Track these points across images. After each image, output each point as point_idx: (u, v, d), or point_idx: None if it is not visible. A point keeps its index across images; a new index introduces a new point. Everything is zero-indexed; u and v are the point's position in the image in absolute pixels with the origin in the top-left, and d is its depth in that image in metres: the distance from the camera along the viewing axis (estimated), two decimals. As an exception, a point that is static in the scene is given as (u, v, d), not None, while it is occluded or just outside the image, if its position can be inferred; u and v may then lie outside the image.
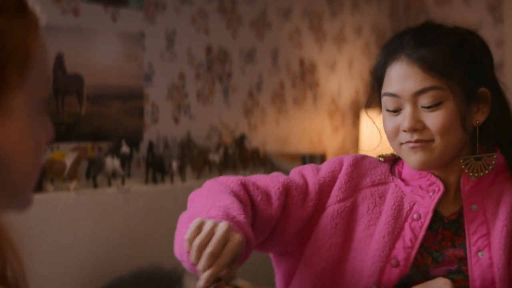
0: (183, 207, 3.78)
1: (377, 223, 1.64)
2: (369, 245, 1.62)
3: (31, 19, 0.82)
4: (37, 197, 3.17)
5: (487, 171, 1.63)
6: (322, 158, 4.70)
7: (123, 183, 3.61)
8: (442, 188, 1.63)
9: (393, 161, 1.76)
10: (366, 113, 1.77)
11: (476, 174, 1.62)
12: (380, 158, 1.76)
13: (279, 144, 4.84)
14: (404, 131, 1.59)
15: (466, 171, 1.62)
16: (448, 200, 1.65)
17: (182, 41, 4.20)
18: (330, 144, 5.21)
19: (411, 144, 1.58)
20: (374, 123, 1.77)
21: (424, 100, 1.56)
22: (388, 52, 1.63)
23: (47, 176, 3.26)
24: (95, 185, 3.47)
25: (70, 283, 3.29)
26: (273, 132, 4.82)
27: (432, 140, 1.58)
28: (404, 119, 1.58)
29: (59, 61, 3.55)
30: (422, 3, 5.89)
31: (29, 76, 0.80)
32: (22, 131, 0.81)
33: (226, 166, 4.23)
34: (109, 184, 3.55)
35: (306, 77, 5.07)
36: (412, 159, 1.60)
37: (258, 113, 4.71)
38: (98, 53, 3.75)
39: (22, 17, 0.80)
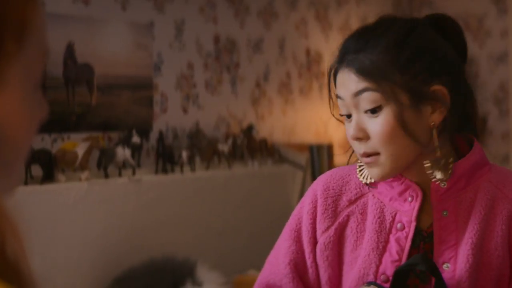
0: (193, 197, 3.81)
1: (363, 241, 1.57)
2: (355, 265, 1.56)
3: None
4: (49, 188, 3.16)
5: (447, 175, 1.51)
6: (329, 148, 4.69)
7: (133, 173, 3.60)
8: (420, 194, 1.53)
9: None
10: (334, 116, 1.63)
11: (444, 178, 1.50)
12: (360, 162, 1.62)
13: (286, 134, 4.84)
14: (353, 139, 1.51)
15: (433, 178, 1.51)
16: (425, 210, 1.55)
17: (191, 31, 4.18)
18: (336, 134, 5.20)
19: (366, 159, 1.50)
20: (343, 122, 1.62)
21: (363, 104, 1.47)
22: (337, 59, 1.55)
23: (59, 166, 3.24)
24: (106, 176, 3.45)
25: (82, 273, 3.28)
26: (280, 122, 4.81)
27: (378, 154, 1.47)
28: (350, 126, 1.51)
29: (70, 50, 3.53)
30: (426, -7, 5.87)
31: (27, 47, 0.78)
32: (17, 104, 0.77)
33: (235, 156, 4.22)
34: (120, 175, 3.54)
35: (312, 67, 5.06)
36: (369, 172, 1.53)
37: (265, 103, 4.70)
38: (108, 43, 3.73)
39: None
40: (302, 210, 1.67)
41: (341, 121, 1.63)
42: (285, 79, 4.86)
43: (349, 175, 1.65)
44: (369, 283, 1.52)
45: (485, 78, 5.68)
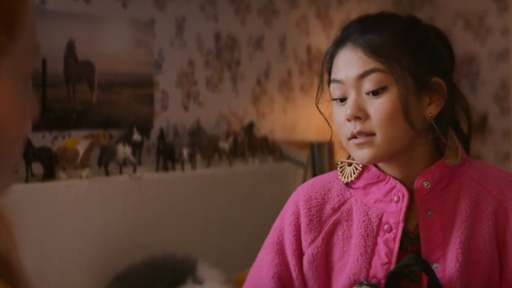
0: (194, 194, 3.80)
1: (350, 247, 1.56)
2: (344, 271, 1.55)
3: None
4: (50, 185, 3.16)
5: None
6: (329, 146, 4.69)
7: (134, 171, 3.60)
8: (407, 194, 1.52)
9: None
10: (317, 107, 1.61)
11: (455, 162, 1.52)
12: (340, 164, 1.62)
13: (287, 132, 4.84)
14: (348, 120, 1.48)
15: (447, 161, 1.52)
16: (410, 211, 1.54)
17: (192, 28, 4.18)
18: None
19: (356, 141, 1.47)
20: (325, 119, 1.62)
21: (368, 85, 1.47)
22: (337, 42, 1.55)
23: (60, 164, 3.24)
24: (107, 173, 3.45)
25: (83, 271, 3.28)
26: (281, 119, 4.80)
27: (374, 134, 1.46)
28: (347, 106, 1.48)
29: (71, 48, 3.52)
30: (427, -10, 5.87)
31: (17, 43, 0.78)
32: (8, 100, 0.77)
33: (235, 154, 4.22)
34: (121, 172, 3.54)
35: (313, 64, 5.05)
36: (358, 154, 1.49)
37: (266, 100, 4.70)
38: (109, 40, 3.72)
39: None
40: (283, 222, 1.65)
41: (323, 114, 1.60)
42: (286, 76, 4.86)
43: (330, 182, 1.63)
44: (361, 283, 1.51)
45: (486, 76, 5.68)
